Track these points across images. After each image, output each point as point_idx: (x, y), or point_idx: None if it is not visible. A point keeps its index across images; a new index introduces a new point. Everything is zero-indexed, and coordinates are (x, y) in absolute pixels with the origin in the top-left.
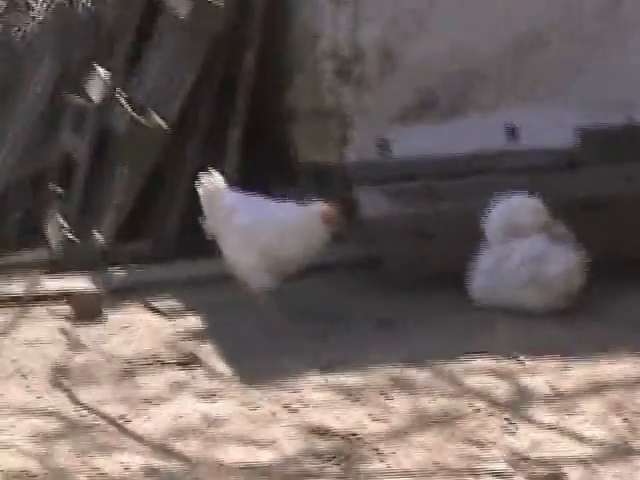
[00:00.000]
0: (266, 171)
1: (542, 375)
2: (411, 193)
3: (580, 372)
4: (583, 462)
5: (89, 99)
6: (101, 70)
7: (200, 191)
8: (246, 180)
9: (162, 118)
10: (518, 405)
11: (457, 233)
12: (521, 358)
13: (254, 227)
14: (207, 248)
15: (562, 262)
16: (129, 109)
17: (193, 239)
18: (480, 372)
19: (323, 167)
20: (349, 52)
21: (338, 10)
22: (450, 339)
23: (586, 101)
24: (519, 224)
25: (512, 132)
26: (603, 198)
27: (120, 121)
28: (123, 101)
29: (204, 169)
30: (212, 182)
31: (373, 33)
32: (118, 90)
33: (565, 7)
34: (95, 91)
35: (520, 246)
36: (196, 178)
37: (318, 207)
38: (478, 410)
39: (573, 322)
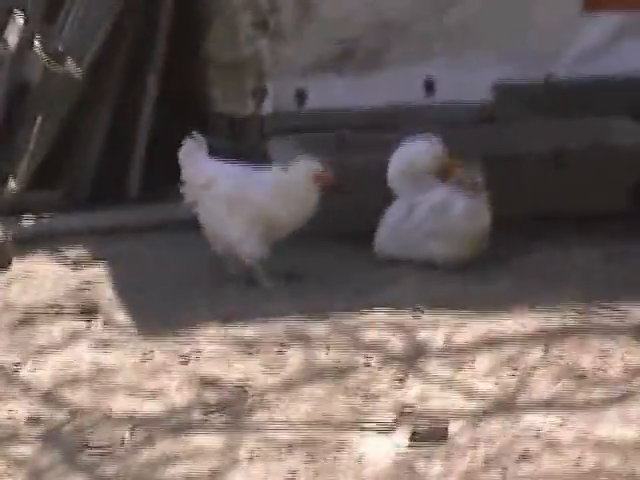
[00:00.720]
0: (181, 120)
1: (439, 329)
2: (323, 144)
3: (478, 326)
4: (467, 415)
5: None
6: (20, 19)
7: (180, 157)
8: (160, 129)
9: (77, 66)
10: (411, 359)
11: (367, 186)
12: (420, 312)
13: (242, 191)
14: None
15: (466, 212)
16: (44, 57)
17: (111, 189)
18: (378, 326)
19: (239, 118)
20: (266, 3)
21: None
22: (353, 293)
23: (506, 56)
24: (416, 168)
25: (430, 86)
26: (518, 154)
27: (35, 69)
28: (38, 49)
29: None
30: (192, 148)
31: None
32: (36, 38)
33: None
34: (12, 40)
35: (425, 197)
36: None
37: (307, 166)
38: (370, 362)
39: (479, 276)
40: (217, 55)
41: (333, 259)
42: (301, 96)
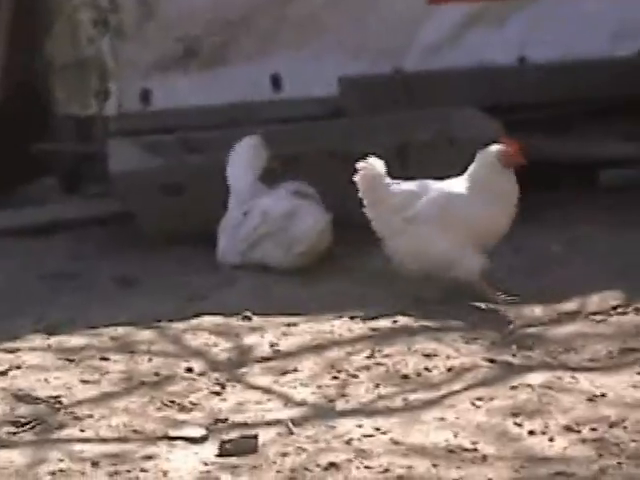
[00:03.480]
0: (23, 124)
1: (267, 334)
2: (165, 146)
3: (305, 330)
4: (281, 424)
5: None
6: None
7: (358, 180)
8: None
9: None
10: (234, 366)
11: (209, 188)
12: (249, 317)
13: (448, 205)
14: None
15: (304, 220)
16: None
17: None
18: (206, 331)
19: (83, 120)
20: (106, 1)
21: None
22: (186, 298)
23: (352, 49)
24: (239, 167)
25: (277, 81)
26: (362, 149)
27: None
28: None
29: None
30: (370, 169)
31: None
32: None
33: None
34: None
35: (258, 201)
36: None
37: (490, 153)
38: (191, 370)
39: (314, 279)
40: (60, 54)
41: (170, 262)
42: (146, 96)
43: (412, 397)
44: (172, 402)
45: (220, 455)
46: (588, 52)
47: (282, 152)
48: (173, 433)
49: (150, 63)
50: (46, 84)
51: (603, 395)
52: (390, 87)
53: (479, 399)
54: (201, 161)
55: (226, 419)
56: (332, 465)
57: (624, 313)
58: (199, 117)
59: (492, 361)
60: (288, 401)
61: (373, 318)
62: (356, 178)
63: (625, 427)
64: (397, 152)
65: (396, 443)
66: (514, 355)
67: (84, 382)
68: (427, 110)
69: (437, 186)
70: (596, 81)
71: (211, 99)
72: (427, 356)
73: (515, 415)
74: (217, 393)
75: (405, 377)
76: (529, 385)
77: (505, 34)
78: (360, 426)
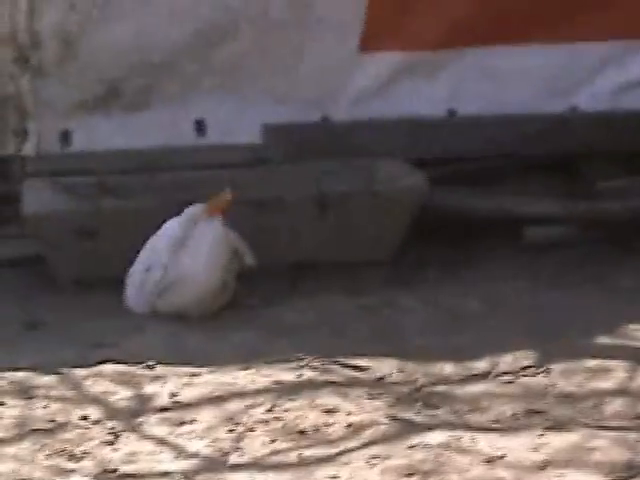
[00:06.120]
0: None
1: (169, 383)
2: (83, 188)
3: (208, 381)
4: (172, 475)
5: None
6: None
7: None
8: None
9: None
10: (131, 415)
11: (123, 233)
12: (152, 365)
13: None
14: None
15: (200, 266)
16: None
17: None
18: (107, 378)
19: (1, 159)
20: (27, 38)
21: None
22: (92, 344)
23: (279, 96)
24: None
25: (201, 126)
26: (281, 198)
27: None
28: None
29: None
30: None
31: (52, 19)
32: None
33: None
34: None
35: (162, 252)
36: None
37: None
38: (87, 418)
39: (223, 327)
40: None
41: (80, 307)
42: (66, 137)
43: (307, 453)
44: (63, 450)
45: None
46: (518, 107)
47: (199, 198)
48: None
49: (71, 103)
50: None
51: (501, 457)
52: (316, 136)
53: (375, 457)
54: (117, 205)
55: (115, 469)
56: None
57: (534, 374)
58: (120, 160)
59: (394, 418)
60: (181, 453)
61: (278, 371)
62: None
63: None
64: (317, 202)
65: None
66: (418, 413)
67: None
68: (351, 160)
69: None
70: (525, 137)
71: (132, 142)
72: (328, 412)
73: (410, 475)
74: (110, 442)
75: (303, 432)
76: (427, 444)
77: (435, 86)
78: None
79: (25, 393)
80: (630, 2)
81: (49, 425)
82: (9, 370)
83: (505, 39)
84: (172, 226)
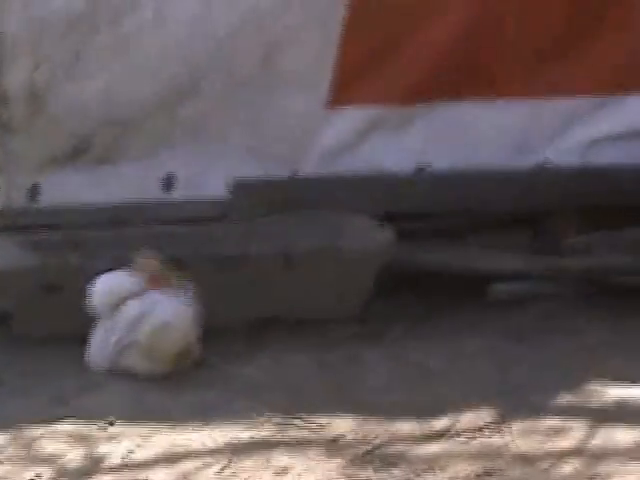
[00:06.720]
0: None
1: (124, 442)
2: (49, 243)
3: (163, 440)
4: None
5: None
6: None
7: None
8: None
9: None
10: (82, 474)
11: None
12: (108, 424)
13: None
14: None
15: (160, 326)
16: None
17: None
18: (62, 437)
19: None
20: None
21: None
22: (49, 401)
23: (247, 151)
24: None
25: (168, 182)
26: (245, 254)
27: None
28: None
29: None
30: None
31: (19, 75)
32: None
33: (224, 55)
34: None
35: (123, 311)
36: None
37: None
38: (39, 477)
39: (183, 386)
40: None
41: (40, 363)
42: (34, 192)
43: None
44: None
45: None
46: (487, 163)
47: (165, 254)
48: None
49: (40, 159)
50: None
51: None
52: (284, 191)
53: None
54: (83, 261)
55: None
56: None
57: (493, 433)
58: (88, 215)
59: (348, 478)
60: None
61: (234, 430)
62: None
63: None
64: (283, 258)
65: None
66: (374, 472)
67: None
68: (318, 216)
69: None
70: (494, 192)
71: (101, 197)
72: (281, 471)
73: None
74: None
75: None
76: None
77: (404, 141)
78: None
79: None
80: (599, 58)
81: None
82: None
83: (474, 93)
84: (132, 304)
